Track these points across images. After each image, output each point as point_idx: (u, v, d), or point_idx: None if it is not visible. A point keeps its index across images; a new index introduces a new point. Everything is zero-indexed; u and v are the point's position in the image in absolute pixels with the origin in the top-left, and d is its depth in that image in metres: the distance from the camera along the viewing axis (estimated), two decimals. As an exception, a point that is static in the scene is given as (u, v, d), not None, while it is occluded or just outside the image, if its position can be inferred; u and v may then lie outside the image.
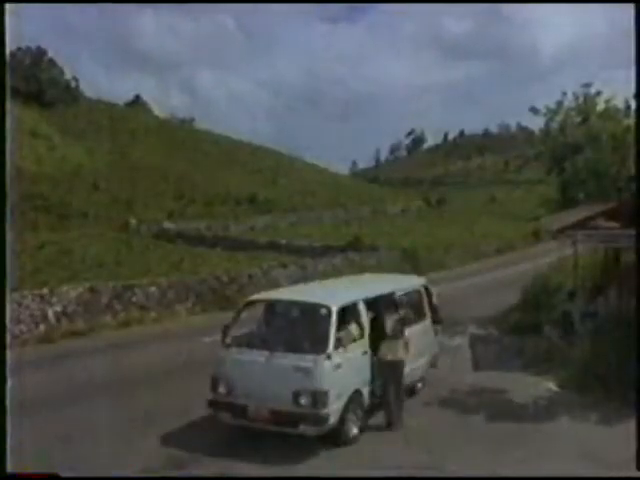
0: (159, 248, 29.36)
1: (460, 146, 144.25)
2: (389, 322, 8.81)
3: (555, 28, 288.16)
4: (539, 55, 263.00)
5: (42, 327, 15.47)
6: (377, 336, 8.73)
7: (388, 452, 7.89)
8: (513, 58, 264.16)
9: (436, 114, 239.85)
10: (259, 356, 8.02)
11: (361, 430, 8.29)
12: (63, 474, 6.63)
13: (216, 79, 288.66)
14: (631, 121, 17.71)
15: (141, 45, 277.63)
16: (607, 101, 20.34)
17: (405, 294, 9.81)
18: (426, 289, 10.67)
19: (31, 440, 7.87)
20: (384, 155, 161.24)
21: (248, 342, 8.48)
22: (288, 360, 7.84)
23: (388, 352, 8.66)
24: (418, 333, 9.85)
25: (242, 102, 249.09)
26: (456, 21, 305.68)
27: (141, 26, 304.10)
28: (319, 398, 7.61)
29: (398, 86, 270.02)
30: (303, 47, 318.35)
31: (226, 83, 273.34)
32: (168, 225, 35.48)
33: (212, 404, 8.35)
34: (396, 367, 8.70)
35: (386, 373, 8.69)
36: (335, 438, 7.94)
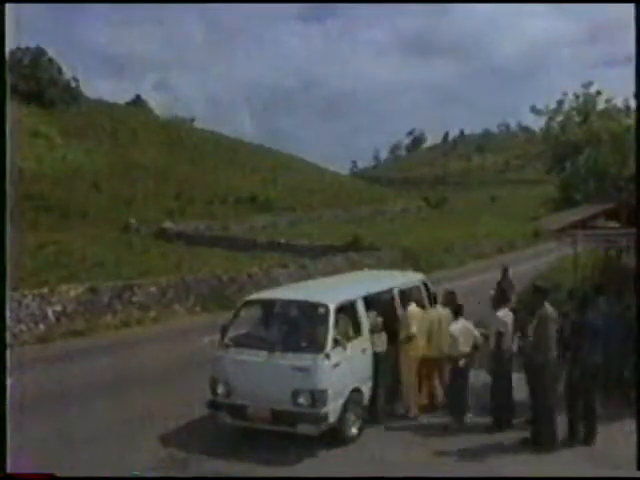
0: (159, 248, 29.36)
1: (460, 146, 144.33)
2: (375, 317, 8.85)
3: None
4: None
5: (42, 327, 15.48)
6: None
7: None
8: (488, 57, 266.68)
9: (420, 113, 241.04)
10: (257, 356, 8.00)
11: (360, 429, 8.28)
12: (63, 474, 6.64)
13: (192, 80, 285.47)
14: (631, 121, 17.72)
15: (115, 50, 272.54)
16: (607, 101, 20.38)
17: (404, 290, 9.78)
18: (425, 285, 10.65)
19: (31, 440, 7.88)
20: (384, 155, 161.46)
21: (246, 342, 8.46)
22: (287, 360, 7.82)
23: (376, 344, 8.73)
24: None
25: (220, 102, 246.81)
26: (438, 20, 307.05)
27: (115, 30, 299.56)
28: (318, 397, 7.60)
29: (377, 85, 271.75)
30: (280, 46, 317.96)
31: (203, 84, 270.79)
32: (168, 225, 35.48)
33: (211, 405, 8.33)
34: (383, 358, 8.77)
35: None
36: (334, 437, 7.93)
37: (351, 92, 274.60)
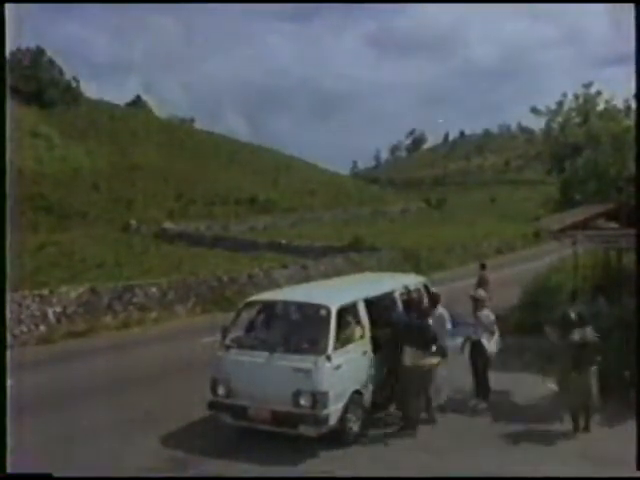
0: (159, 248, 29.38)
1: (460, 146, 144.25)
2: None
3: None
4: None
5: (42, 327, 15.48)
6: (377, 335, 8.74)
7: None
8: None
9: (411, 113, 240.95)
10: (259, 357, 8.01)
11: (361, 430, 8.28)
12: (63, 474, 6.65)
13: (178, 81, 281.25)
14: (631, 121, 17.74)
15: (98, 52, 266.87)
16: (607, 101, 20.40)
17: (405, 293, 9.77)
18: (426, 287, 10.65)
19: (31, 440, 7.88)
20: (384, 155, 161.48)
21: (248, 343, 8.46)
22: (288, 361, 7.82)
23: (409, 358, 8.51)
24: None
25: (209, 103, 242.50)
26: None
27: (96, 32, 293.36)
28: (319, 399, 7.60)
29: (364, 84, 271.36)
30: (264, 46, 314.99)
31: (190, 84, 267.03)
32: (168, 225, 35.52)
33: (212, 405, 8.33)
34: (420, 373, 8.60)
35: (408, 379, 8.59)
36: (335, 439, 7.93)
37: (338, 92, 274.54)
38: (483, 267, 16.35)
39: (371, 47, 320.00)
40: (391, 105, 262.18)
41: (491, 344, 9.55)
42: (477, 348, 9.56)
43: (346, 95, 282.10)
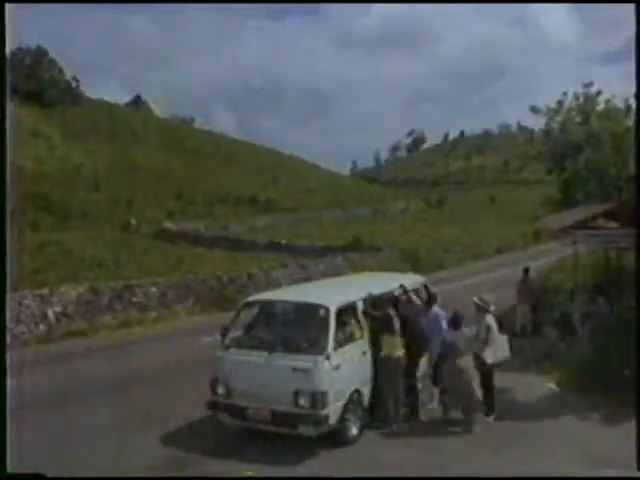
0: (159, 248, 29.38)
1: (460, 146, 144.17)
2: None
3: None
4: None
5: (42, 327, 15.47)
6: (377, 335, 8.74)
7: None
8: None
9: (398, 112, 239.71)
10: (258, 357, 8.01)
11: (361, 430, 8.28)
12: (62, 474, 6.65)
13: (162, 79, 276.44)
14: (631, 121, 17.74)
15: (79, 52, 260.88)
16: (607, 101, 20.38)
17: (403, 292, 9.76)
18: (426, 287, 10.65)
19: (31, 440, 7.88)
20: (384, 155, 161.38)
21: (247, 343, 8.46)
22: (287, 361, 7.82)
23: (386, 348, 8.58)
24: None
25: (198, 103, 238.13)
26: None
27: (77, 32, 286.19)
28: (318, 399, 7.60)
29: (348, 84, 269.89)
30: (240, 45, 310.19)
31: (176, 83, 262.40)
32: (168, 225, 35.52)
33: (211, 405, 8.34)
34: (394, 364, 8.61)
35: (384, 370, 8.60)
36: (334, 438, 7.93)
37: (329, 91, 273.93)
38: (526, 271, 15.26)
39: (365, 46, 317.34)
40: (379, 105, 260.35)
41: (487, 354, 8.86)
42: (476, 359, 8.91)
43: (338, 95, 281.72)
